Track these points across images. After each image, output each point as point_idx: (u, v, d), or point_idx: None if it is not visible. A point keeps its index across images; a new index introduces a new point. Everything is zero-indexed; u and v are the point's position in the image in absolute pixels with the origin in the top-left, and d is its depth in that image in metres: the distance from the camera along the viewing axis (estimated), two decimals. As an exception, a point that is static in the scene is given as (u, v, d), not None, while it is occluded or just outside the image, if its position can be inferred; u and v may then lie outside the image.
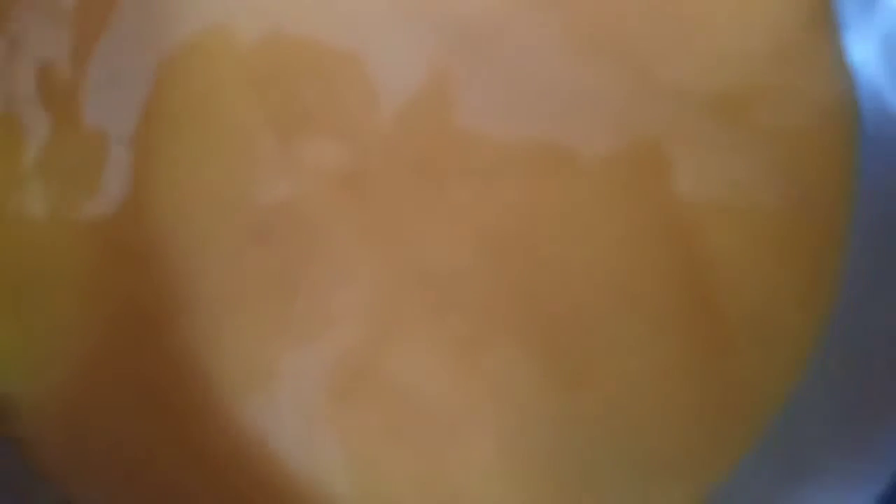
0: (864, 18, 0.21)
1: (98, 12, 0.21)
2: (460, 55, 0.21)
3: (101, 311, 0.20)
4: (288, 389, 0.21)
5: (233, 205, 0.21)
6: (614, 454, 0.21)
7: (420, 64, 0.21)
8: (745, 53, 0.21)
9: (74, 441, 0.20)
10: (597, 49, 0.22)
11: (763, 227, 0.21)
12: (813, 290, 0.22)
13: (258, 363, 0.21)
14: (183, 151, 0.21)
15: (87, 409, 0.21)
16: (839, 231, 0.22)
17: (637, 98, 0.21)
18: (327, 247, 0.21)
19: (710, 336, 0.21)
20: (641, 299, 0.21)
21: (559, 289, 0.21)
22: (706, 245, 0.21)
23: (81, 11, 0.21)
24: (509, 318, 0.21)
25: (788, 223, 0.22)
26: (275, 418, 0.20)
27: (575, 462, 0.20)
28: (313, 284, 0.21)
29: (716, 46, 0.21)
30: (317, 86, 0.21)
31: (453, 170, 0.21)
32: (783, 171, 0.21)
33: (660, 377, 0.21)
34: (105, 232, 0.21)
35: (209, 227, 0.21)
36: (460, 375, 0.21)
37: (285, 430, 0.20)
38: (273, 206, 0.21)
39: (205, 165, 0.21)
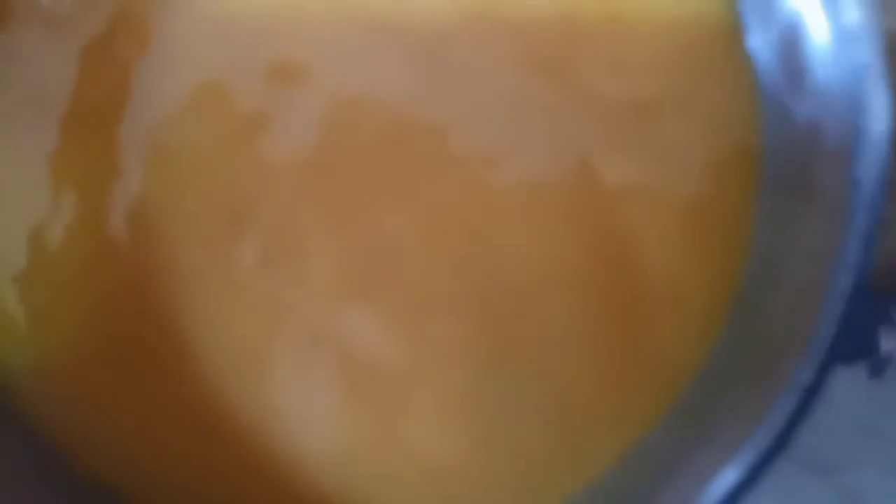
0: (763, 22, 0.24)
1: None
2: (410, 65, 0.24)
3: (100, 291, 0.23)
4: (264, 356, 0.23)
5: (210, 196, 0.24)
6: (542, 412, 0.23)
7: (372, 70, 0.24)
8: (659, 62, 0.24)
9: (76, 413, 0.23)
10: (535, 62, 0.24)
11: (678, 215, 0.24)
12: (722, 270, 0.24)
13: (237, 334, 0.23)
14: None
15: (86, 384, 0.23)
16: (745, 218, 0.24)
17: (569, 104, 0.24)
18: (292, 228, 0.24)
19: (629, 310, 0.24)
20: (568, 278, 0.24)
21: (495, 268, 0.24)
22: (627, 232, 0.24)
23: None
24: (452, 292, 0.24)
25: (700, 211, 0.24)
26: (253, 384, 0.23)
27: (506, 418, 0.23)
28: (279, 262, 0.24)
29: (634, 57, 0.24)
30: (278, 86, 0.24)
31: (403, 162, 0.24)
32: (695, 166, 0.24)
33: (582, 346, 0.24)
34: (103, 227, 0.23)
35: (191, 215, 0.24)
36: (408, 342, 0.23)
37: (262, 394, 0.23)
38: (244, 195, 0.24)
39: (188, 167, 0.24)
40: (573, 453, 0.24)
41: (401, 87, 0.24)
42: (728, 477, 0.21)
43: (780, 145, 0.24)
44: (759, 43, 0.24)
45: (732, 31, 0.24)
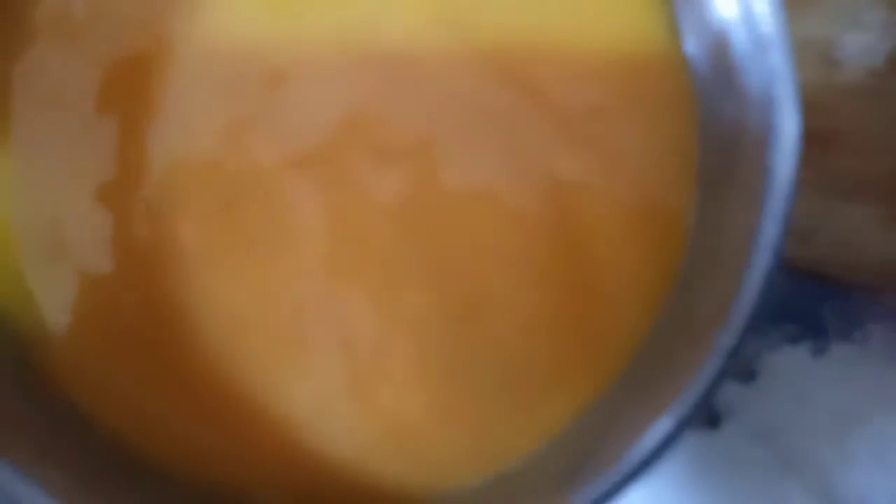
0: (697, 32, 0.27)
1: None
2: (382, 81, 0.27)
3: (118, 273, 0.26)
4: (258, 328, 0.26)
5: (211, 188, 0.27)
6: (500, 379, 0.27)
7: (349, 85, 0.27)
8: (607, 70, 0.27)
9: (97, 378, 0.26)
10: (500, 73, 0.27)
11: (624, 207, 0.27)
12: (662, 255, 0.27)
13: (233, 309, 0.26)
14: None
15: (98, 350, 0.26)
16: (682, 208, 0.28)
17: (527, 111, 0.27)
18: (281, 213, 0.27)
19: (579, 290, 0.27)
20: (524, 262, 0.27)
21: (460, 250, 0.27)
22: (580, 222, 0.27)
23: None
24: (422, 270, 0.27)
25: (643, 203, 0.27)
26: (249, 352, 0.26)
27: (468, 382, 0.26)
28: (271, 242, 0.27)
29: (585, 67, 0.27)
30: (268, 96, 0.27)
31: (378, 159, 0.27)
32: (638, 162, 0.27)
33: (536, 321, 0.27)
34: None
35: (195, 204, 0.27)
36: (382, 314, 0.26)
37: (257, 362, 0.26)
38: (237, 181, 0.27)
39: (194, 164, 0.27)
40: (529, 415, 0.27)
41: (378, 100, 0.27)
42: (663, 425, 0.24)
43: (710, 142, 0.27)
44: (694, 49, 0.27)
45: (671, 39, 0.28)
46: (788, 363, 0.36)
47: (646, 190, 0.28)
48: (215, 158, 0.27)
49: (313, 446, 0.26)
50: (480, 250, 0.27)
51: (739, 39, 0.25)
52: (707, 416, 0.36)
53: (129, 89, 0.27)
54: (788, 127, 0.24)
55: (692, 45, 0.27)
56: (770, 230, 0.24)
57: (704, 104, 0.27)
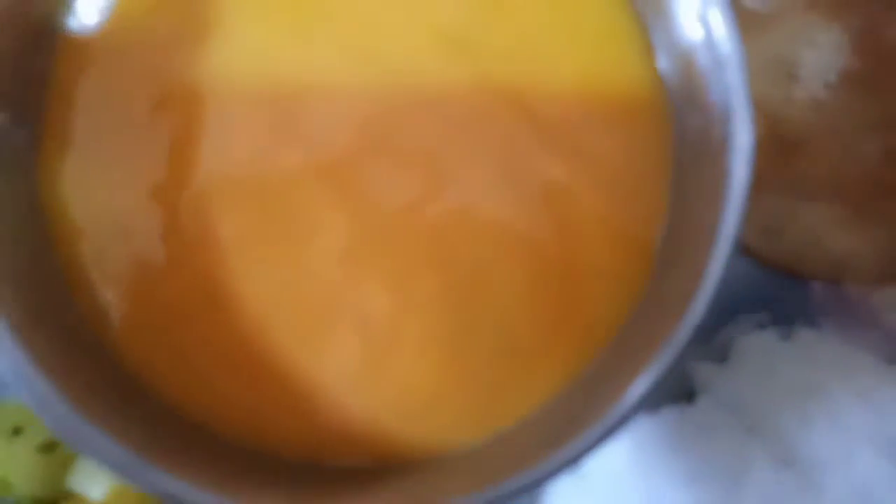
0: (668, 50, 0.31)
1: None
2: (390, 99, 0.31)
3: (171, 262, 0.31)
4: (292, 308, 0.31)
5: (243, 184, 0.31)
6: (499, 350, 0.31)
7: (361, 102, 0.31)
8: (592, 84, 0.31)
9: (151, 347, 0.30)
10: (494, 90, 0.32)
11: (606, 207, 0.31)
12: (641, 246, 0.32)
13: (267, 292, 0.30)
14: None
15: (152, 327, 0.31)
16: (658, 208, 0.32)
17: (522, 125, 0.31)
18: (306, 211, 0.31)
19: (569, 276, 0.31)
20: (517, 254, 0.31)
21: (462, 241, 0.31)
22: (568, 219, 0.31)
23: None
24: (430, 261, 0.31)
25: (623, 202, 0.32)
26: (279, 331, 0.30)
27: (471, 354, 0.31)
28: (297, 236, 0.31)
29: (570, 83, 0.31)
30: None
31: (390, 166, 0.31)
32: (617, 167, 0.31)
33: (531, 301, 0.31)
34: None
35: (227, 197, 0.31)
36: (394, 297, 0.31)
37: (291, 337, 0.30)
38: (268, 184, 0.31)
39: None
40: (524, 384, 0.31)
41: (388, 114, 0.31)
42: (639, 385, 0.28)
43: (680, 148, 0.31)
44: (666, 67, 0.31)
45: (647, 59, 0.32)
46: (757, 346, 0.40)
47: (626, 191, 0.32)
48: (249, 165, 0.31)
49: (333, 409, 0.30)
50: (481, 243, 0.31)
51: (703, 59, 0.29)
52: (685, 392, 0.40)
53: (176, 108, 0.31)
54: (744, 135, 0.28)
55: (664, 64, 0.31)
56: (730, 223, 0.28)
57: (676, 116, 0.31)
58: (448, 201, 0.31)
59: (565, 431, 0.29)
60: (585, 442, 0.28)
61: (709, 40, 0.29)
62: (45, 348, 0.28)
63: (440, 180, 0.31)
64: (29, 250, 0.30)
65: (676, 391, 0.40)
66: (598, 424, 0.28)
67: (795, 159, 0.39)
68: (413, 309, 0.31)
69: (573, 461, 0.28)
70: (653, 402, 0.31)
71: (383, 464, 0.31)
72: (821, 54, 0.36)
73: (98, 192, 0.31)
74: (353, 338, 0.31)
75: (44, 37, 0.31)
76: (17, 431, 0.35)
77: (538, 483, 0.28)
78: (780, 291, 0.42)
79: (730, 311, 0.42)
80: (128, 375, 0.30)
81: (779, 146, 0.39)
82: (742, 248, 0.40)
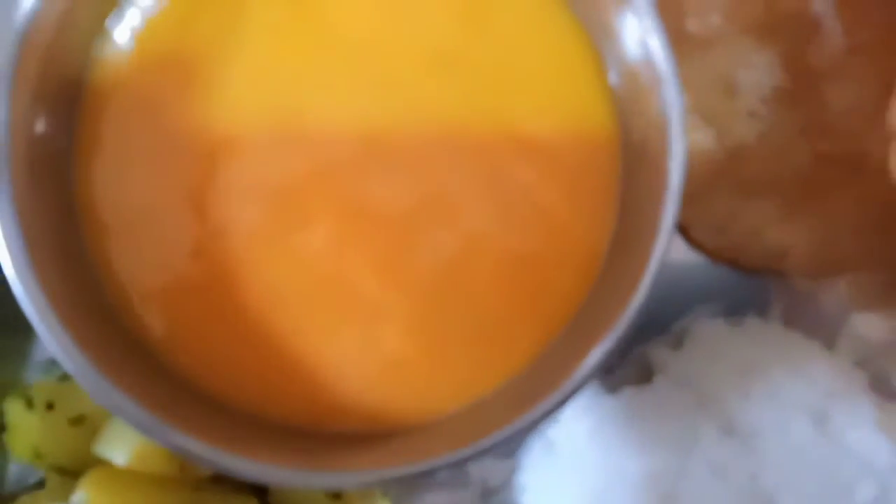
0: (616, 65, 0.36)
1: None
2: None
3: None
4: (297, 296, 0.35)
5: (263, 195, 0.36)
6: (477, 327, 0.36)
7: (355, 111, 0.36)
8: (554, 96, 0.36)
9: (174, 326, 0.35)
10: (477, 107, 0.37)
11: (564, 203, 0.36)
12: (595, 236, 0.37)
13: (276, 280, 0.35)
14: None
15: (181, 315, 0.35)
16: (610, 204, 0.37)
17: (500, 140, 0.36)
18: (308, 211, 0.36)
19: (535, 265, 0.36)
20: (495, 244, 0.36)
21: (444, 237, 0.36)
22: (537, 216, 0.36)
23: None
24: (414, 252, 0.36)
25: (579, 197, 0.36)
26: (287, 315, 0.35)
27: (452, 330, 0.35)
28: (301, 232, 0.36)
29: (538, 100, 0.36)
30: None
31: (379, 173, 0.36)
32: (576, 168, 0.36)
33: (505, 286, 0.36)
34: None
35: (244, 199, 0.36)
36: (383, 282, 0.35)
37: (295, 319, 0.35)
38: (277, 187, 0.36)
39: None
40: (498, 357, 0.36)
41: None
42: (593, 356, 0.33)
43: (627, 153, 0.36)
44: (615, 80, 0.36)
45: (600, 75, 0.37)
46: (709, 332, 0.45)
47: (583, 194, 0.37)
48: (263, 171, 0.36)
49: (332, 381, 0.35)
50: (460, 238, 0.36)
51: (644, 74, 0.34)
52: (643, 373, 0.45)
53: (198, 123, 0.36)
54: (679, 144, 0.33)
55: (614, 77, 0.36)
56: (668, 218, 0.33)
57: (623, 125, 0.36)
58: (434, 205, 0.36)
59: (532, 397, 0.34)
60: (549, 404, 0.33)
61: (647, 58, 0.34)
62: (85, 332, 0.33)
63: (427, 185, 0.36)
64: (67, 242, 0.35)
65: (637, 376, 0.45)
66: (559, 390, 0.33)
67: (739, 164, 0.44)
68: (399, 292, 0.35)
69: (538, 421, 0.33)
70: (612, 381, 0.36)
71: (376, 429, 0.35)
72: (756, 73, 0.42)
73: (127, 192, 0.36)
74: (346, 318, 0.35)
75: (85, 54, 0.36)
76: (49, 406, 0.39)
77: (509, 440, 0.33)
78: (732, 285, 0.46)
79: (686, 303, 0.46)
80: (152, 353, 0.35)
81: (725, 153, 0.44)
82: (695, 246, 0.45)
